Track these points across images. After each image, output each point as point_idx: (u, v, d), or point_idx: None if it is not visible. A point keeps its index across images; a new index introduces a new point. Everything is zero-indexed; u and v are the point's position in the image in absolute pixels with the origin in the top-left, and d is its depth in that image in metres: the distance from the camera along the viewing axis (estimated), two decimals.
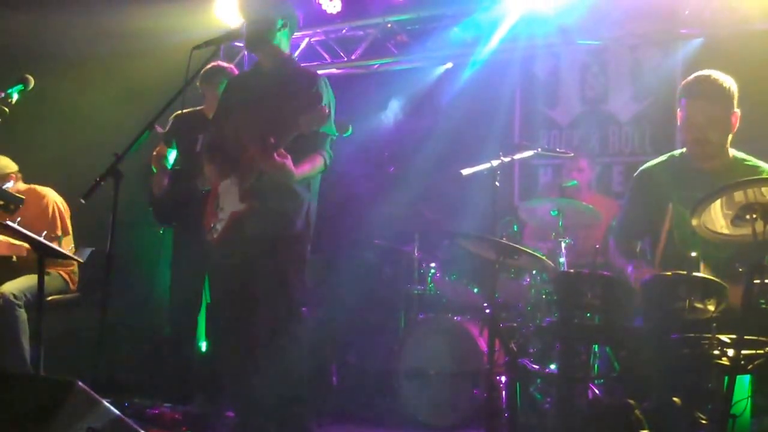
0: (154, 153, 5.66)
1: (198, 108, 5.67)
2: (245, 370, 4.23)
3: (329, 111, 4.02)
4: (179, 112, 5.59)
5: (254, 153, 4.05)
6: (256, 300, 4.23)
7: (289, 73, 4.31)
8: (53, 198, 5.98)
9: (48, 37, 6.64)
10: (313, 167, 4.18)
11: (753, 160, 3.93)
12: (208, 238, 4.28)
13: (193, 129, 5.46)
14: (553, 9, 6.24)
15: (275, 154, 3.90)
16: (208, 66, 5.60)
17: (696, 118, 3.87)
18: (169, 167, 5.73)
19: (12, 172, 6.04)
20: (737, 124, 3.91)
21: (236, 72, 5.71)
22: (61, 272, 5.99)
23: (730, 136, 3.92)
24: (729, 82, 3.88)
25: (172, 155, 5.80)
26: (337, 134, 4.32)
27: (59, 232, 5.90)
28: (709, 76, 3.89)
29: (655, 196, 4.05)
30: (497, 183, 4.38)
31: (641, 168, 4.22)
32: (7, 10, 6.33)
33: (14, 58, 6.13)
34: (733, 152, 3.96)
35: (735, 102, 3.88)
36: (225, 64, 5.83)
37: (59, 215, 5.99)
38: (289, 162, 3.95)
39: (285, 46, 4.38)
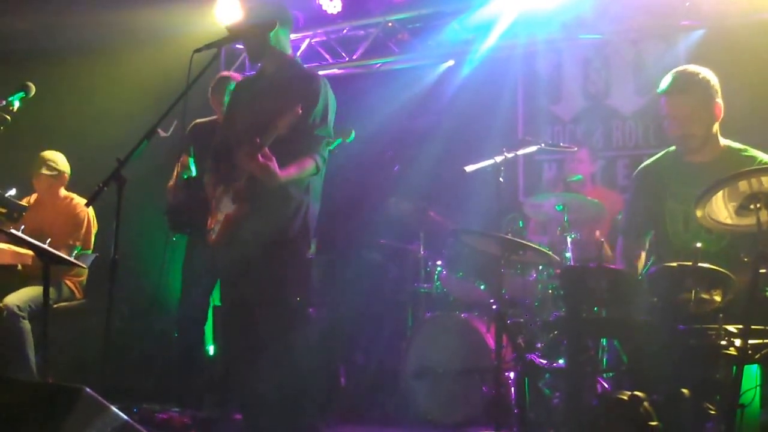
0: (178, 162, 5.60)
1: (214, 117, 5.66)
2: (252, 372, 4.22)
3: (301, 111, 3.97)
4: (197, 120, 5.63)
5: (241, 154, 4.03)
6: (257, 302, 4.21)
7: (289, 76, 4.28)
8: (88, 211, 6.06)
9: (49, 39, 6.66)
10: (301, 170, 4.09)
11: (749, 150, 3.93)
12: (208, 240, 4.28)
13: (209, 137, 5.44)
14: (554, 4, 6.23)
15: (259, 156, 3.87)
16: (216, 78, 5.63)
17: (676, 114, 3.91)
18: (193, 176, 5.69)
19: (67, 173, 6.12)
20: (721, 114, 3.92)
21: (239, 78, 5.69)
22: (67, 282, 6.00)
23: (715, 126, 3.94)
24: (705, 72, 3.92)
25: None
26: (333, 136, 4.29)
27: (79, 243, 5.93)
28: (684, 71, 3.94)
29: (653, 193, 4.08)
30: (501, 179, 4.37)
31: (639, 167, 4.26)
32: (9, 15, 6.35)
33: (16, 62, 6.15)
34: (725, 142, 3.96)
35: (715, 92, 3.90)
36: (227, 73, 5.85)
37: (86, 228, 6.03)
38: (273, 164, 3.90)
39: (285, 46, 4.34)
